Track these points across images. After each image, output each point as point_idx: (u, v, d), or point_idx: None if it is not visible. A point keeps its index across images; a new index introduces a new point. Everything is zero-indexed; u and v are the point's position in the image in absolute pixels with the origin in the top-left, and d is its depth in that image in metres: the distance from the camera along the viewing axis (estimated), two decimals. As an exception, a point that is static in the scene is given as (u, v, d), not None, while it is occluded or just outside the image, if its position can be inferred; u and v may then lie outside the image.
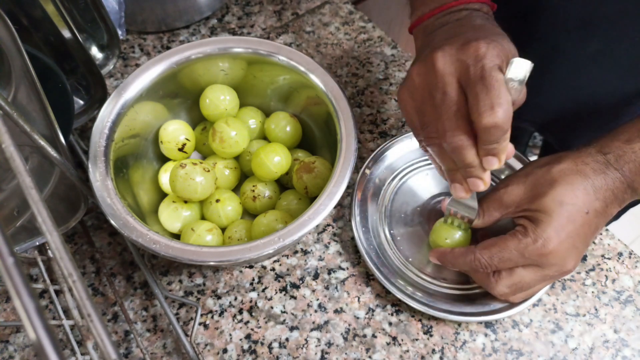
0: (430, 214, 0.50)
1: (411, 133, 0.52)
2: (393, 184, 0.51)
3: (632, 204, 0.70)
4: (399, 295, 0.44)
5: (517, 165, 0.50)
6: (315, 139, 0.52)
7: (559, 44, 0.51)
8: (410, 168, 0.52)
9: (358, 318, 0.46)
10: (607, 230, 0.50)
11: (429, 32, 0.41)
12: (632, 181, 0.39)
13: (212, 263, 0.39)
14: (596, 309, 0.46)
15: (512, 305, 0.43)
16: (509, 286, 0.40)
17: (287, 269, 0.48)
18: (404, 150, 0.52)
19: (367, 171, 0.50)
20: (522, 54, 0.54)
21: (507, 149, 0.36)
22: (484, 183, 0.38)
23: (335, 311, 0.46)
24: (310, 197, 0.47)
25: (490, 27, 0.38)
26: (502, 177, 0.51)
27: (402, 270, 0.46)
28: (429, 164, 0.52)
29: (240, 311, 0.46)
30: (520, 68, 0.33)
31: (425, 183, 0.51)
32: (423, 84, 0.38)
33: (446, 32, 0.39)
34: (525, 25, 0.52)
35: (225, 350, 0.45)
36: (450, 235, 0.45)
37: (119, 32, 0.58)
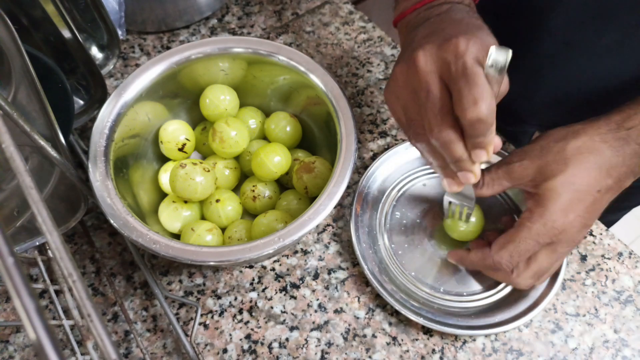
0: (430, 223, 0.50)
1: (406, 144, 0.52)
2: (392, 195, 0.51)
3: (633, 205, 0.70)
4: (411, 316, 0.44)
5: None
6: (315, 139, 0.52)
7: (572, 37, 0.51)
8: (408, 179, 0.52)
9: (358, 318, 0.46)
10: (607, 230, 0.50)
11: (411, 27, 0.41)
12: None
13: (212, 263, 0.39)
14: (596, 309, 0.46)
15: (515, 318, 0.44)
16: (532, 276, 0.42)
17: (287, 269, 0.48)
18: (401, 161, 0.52)
19: (365, 183, 0.50)
20: (533, 52, 0.54)
21: (494, 141, 0.36)
22: (474, 175, 0.38)
23: (335, 311, 0.46)
24: (310, 197, 0.47)
25: (470, 20, 0.38)
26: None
27: (407, 285, 0.46)
28: (427, 174, 0.52)
29: (240, 311, 0.46)
30: (499, 56, 0.33)
31: (424, 194, 0.51)
32: (406, 83, 0.38)
33: (427, 28, 0.39)
34: (536, 21, 0.52)
35: (225, 350, 0.45)
36: (464, 223, 0.46)
37: (119, 32, 0.58)
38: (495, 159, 0.51)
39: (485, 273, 0.45)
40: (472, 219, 0.46)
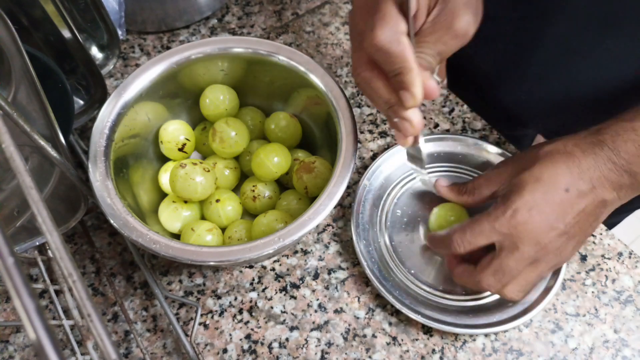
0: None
1: None
2: (393, 194, 0.51)
3: (635, 208, 0.70)
4: (411, 315, 0.44)
5: None
6: (315, 139, 0.52)
7: (575, 43, 0.50)
8: (409, 177, 0.52)
9: (358, 318, 0.46)
10: (607, 230, 0.50)
11: None
12: (628, 163, 0.37)
13: (212, 263, 0.39)
14: (596, 309, 0.46)
15: (514, 317, 0.43)
16: (493, 274, 0.39)
17: (287, 269, 0.48)
18: (402, 159, 0.52)
19: (366, 182, 0.50)
20: (536, 57, 0.54)
21: (419, 83, 0.34)
22: (411, 124, 0.37)
23: (335, 311, 0.46)
24: (310, 197, 0.47)
25: None
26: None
27: (406, 283, 0.46)
28: (429, 172, 0.52)
29: (240, 311, 0.46)
30: None
31: (426, 192, 0.51)
32: (351, 25, 0.39)
33: None
34: (539, 27, 0.52)
35: (225, 350, 0.45)
36: (447, 222, 0.45)
37: (119, 32, 0.58)
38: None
39: (455, 280, 0.43)
40: (451, 218, 0.46)
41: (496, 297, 0.46)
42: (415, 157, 0.43)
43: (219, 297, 0.47)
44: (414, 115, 0.36)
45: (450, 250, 0.40)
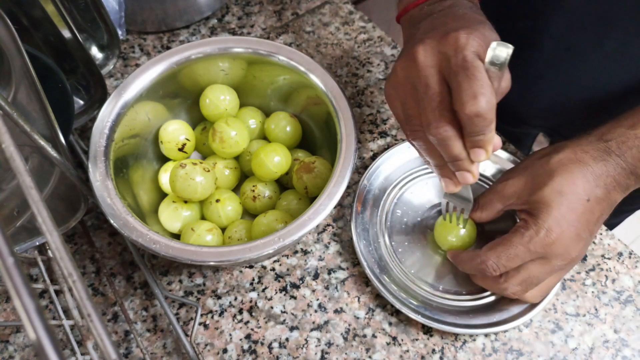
0: (431, 222, 0.50)
1: (407, 143, 0.52)
2: (393, 194, 0.51)
3: (635, 208, 0.70)
4: (411, 314, 0.44)
5: (509, 166, 0.51)
6: (315, 139, 0.52)
7: (574, 43, 0.51)
8: (409, 177, 0.52)
9: (358, 318, 0.46)
10: (607, 230, 0.50)
11: (414, 22, 0.41)
12: (634, 167, 0.38)
13: (212, 263, 0.39)
14: (596, 309, 0.46)
15: (514, 317, 0.43)
16: (519, 283, 0.40)
17: (287, 269, 0.48)
18: (402, 159, 0.52)
19: (366, 182, 0.50)
20: (534, 56, 0.54)
21: (494, 140, 0.35)
22: (473, 176, 0.38)
23: (335, 311, 0.46)
24: (310, 197, 0.47)
25: (473, 15, 0.38)
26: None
27: (406, 283, 0.46)
28: (429, 172, 0.52)
29: (240, 311, 0.46)
30: (500, 52, 0.33)
31: (426, 192, 0.51)
32: (406, 77, 0.38)
33: (429, 23, 0.39)
34: (537, 26, 0.52)
35: (225, 350, 0.45)
36: (453, 233, 0.45)
37: (119, 32, 0.58)
38: (506, 160, 0.52)
39: (474, 280, 0.44)
40: (462, 231, 0.45)
41: (496, 297, 0.46)
42: (461, 197, 0.44)
43: (219, 297, 0.47)
44: (476, 168, 0.38)
45: (483, 273, 0.41)
